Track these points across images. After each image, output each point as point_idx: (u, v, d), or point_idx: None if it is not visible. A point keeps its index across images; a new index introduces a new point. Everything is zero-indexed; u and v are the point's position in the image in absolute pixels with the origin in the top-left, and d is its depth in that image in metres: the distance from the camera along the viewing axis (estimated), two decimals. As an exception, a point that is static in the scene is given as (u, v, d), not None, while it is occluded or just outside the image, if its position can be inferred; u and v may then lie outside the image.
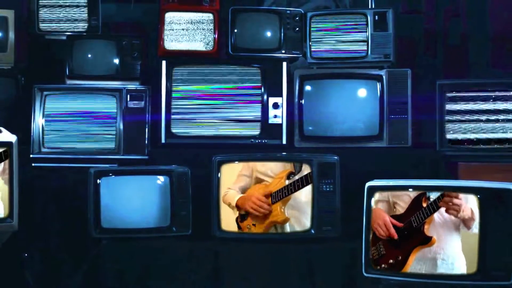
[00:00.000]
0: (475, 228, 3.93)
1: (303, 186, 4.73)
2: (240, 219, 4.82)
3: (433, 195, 4.04)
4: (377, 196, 4.20)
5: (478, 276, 3.88)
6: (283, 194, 4.75)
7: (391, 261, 4.13)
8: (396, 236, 4.14)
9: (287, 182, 4.76)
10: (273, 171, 4.81)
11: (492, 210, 3.87)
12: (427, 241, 4.06)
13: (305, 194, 4.73)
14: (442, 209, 4.03)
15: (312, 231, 4.71)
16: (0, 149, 4.46)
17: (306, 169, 4.74)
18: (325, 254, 4.70)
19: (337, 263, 4.67)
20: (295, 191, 4.74)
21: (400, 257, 4.11)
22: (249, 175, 4.86)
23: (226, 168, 4.84)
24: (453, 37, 6.21)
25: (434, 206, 4.04)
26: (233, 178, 4.86)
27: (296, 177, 4.74)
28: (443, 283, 4.00)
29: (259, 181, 4.83)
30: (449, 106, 5.15)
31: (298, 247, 4.72)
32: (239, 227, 4.82)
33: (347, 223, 4.69)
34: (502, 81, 5.18)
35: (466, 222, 3.99)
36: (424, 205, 4.06)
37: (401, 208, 4.16)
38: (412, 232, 4.10)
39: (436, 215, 4.05)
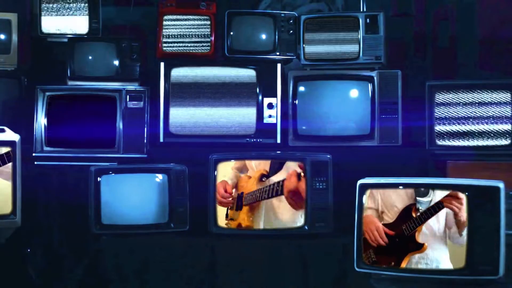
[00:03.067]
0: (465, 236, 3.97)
1: (272, 196, 4.78)
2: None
3: (423, 207, 4.06)
4: (368, 203, 4.22)
5: (466, 271, 3.92)
6: (253, 199, 4.81)
7: (384, 266, 4.16)
8: (384, 244, 4.16)
9: (257, 185, 4.81)
10: (256, 165, 4.87)
11: (480, 207, 3.92)
12: (419, 247, 4.07)
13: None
14: (430, 221, 4.06)
15: (306, 227, 4.77)
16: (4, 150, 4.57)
17: (282, 174, 4.79)
18: (318, 249, 4.76)
19: (329, 258, 4.73)
20: (267, 198, 4.80)
21: (392, 263, 4.13)
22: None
23: (222, 166, 4.89)
24: (442, 40, 6.25)
25: (428, 214, 4.06)
26: (228, 175, 4.92)
27: (272, 180, 4.78)
28: (432, 278, 4.03)
29: (243, 168, 4.90)
30: (438, 106, 5.21)
31: (291, 243, 4.78)
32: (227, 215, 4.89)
33: (339, 219, 4.74)
34: (490, 82, 5.24)
35: (460, 225, 3.99)
36: (414, 215, 4.08)
37: (388, 218, 4.17)
38: (404, 240, 4.11)
39: (424, 227, 4.08)
